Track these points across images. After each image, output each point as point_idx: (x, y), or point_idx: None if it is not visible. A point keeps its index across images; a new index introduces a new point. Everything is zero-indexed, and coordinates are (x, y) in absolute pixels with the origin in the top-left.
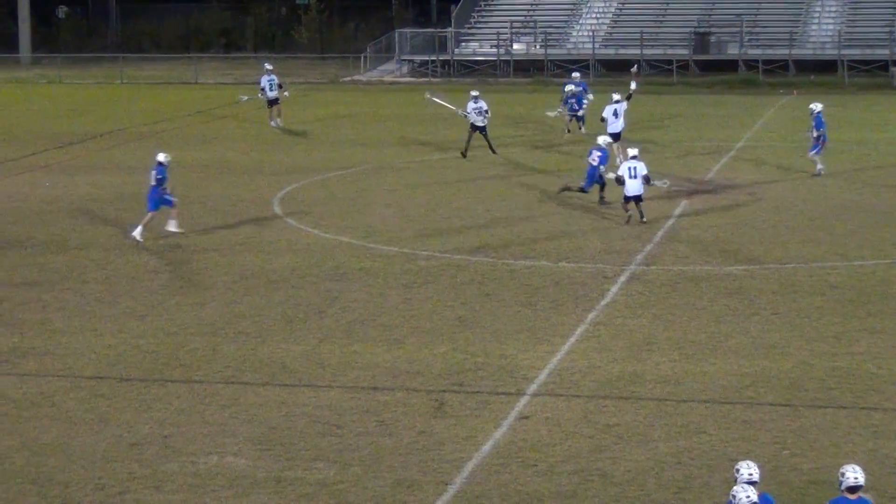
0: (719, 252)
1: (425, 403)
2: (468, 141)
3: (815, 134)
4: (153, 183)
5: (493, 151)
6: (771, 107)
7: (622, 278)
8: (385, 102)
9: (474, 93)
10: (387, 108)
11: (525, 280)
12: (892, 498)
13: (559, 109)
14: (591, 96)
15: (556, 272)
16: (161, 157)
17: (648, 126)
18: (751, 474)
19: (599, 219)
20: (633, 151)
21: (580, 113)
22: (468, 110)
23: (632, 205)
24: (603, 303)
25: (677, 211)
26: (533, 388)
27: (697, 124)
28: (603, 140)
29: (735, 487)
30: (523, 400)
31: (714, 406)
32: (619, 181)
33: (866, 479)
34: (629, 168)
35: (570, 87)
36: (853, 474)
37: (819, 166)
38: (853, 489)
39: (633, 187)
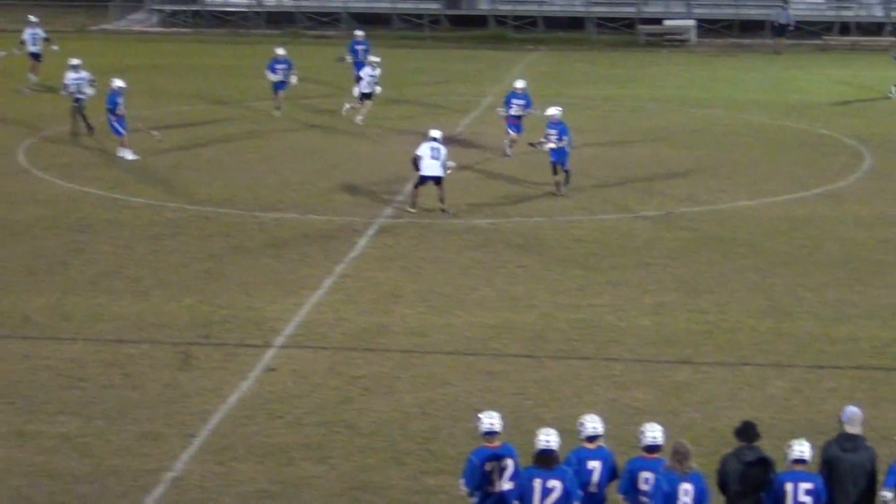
0: (466, 205)
1: (171, 356)
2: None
3: (506, 113)
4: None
5: (89, 128)
6: (519, 62)
7: (371, 231)
8: (134, 53)
9: (74, 61)
10: (135, 59)
11: (273, 232)
12: (632, 447)
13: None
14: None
15: (305, 224)
16: (116, 83)
17: (398, 81)
18: (491, 424)
19: (349, 172)
20: (436, 133)
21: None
22: (67, 81)
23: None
24: (351, 255)
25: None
26: (280, 340)
27: (447, 79)
28: (556, 111)
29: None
30: (270, 352)
31: (459, 357)
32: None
33: (606, 429)
34: (431, 148)
35: (281, 51)
36: (592, 424)
37: (509, 150)
38: (592, 438)
39: (432, 167)
